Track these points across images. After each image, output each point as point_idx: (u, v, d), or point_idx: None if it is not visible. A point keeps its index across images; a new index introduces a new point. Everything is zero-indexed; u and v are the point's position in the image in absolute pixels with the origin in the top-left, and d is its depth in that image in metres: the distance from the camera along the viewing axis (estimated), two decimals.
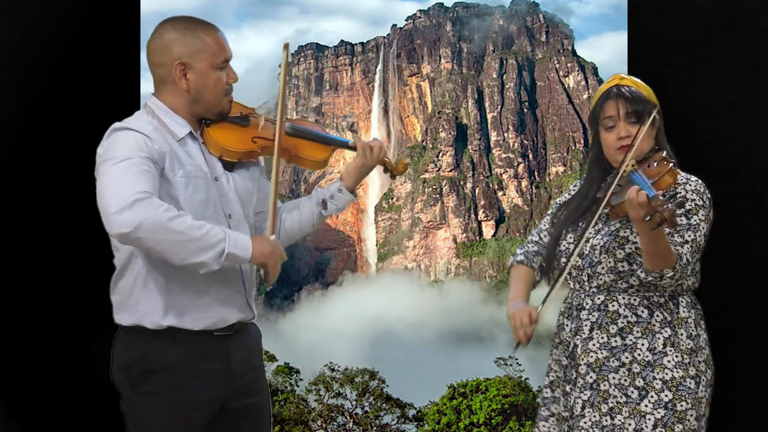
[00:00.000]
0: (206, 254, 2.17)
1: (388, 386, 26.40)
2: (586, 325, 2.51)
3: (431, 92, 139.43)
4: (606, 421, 2.43)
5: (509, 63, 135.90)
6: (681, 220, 2.40)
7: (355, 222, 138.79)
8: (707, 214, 2.44)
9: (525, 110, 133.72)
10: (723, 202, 2.59)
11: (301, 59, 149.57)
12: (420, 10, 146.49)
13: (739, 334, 3.19)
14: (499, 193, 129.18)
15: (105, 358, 2.39)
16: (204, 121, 2.43)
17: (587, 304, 2.53)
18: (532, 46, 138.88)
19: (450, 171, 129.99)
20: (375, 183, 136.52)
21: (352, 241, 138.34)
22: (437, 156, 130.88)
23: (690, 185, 2.47)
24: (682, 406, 2.40)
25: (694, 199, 2.43)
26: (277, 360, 28.82)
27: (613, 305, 2.49)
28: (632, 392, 2.42)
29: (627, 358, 2.45)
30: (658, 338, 2.44)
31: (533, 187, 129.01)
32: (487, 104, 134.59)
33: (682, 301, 2.49)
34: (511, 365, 30.07)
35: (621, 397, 2.43)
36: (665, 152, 2.47)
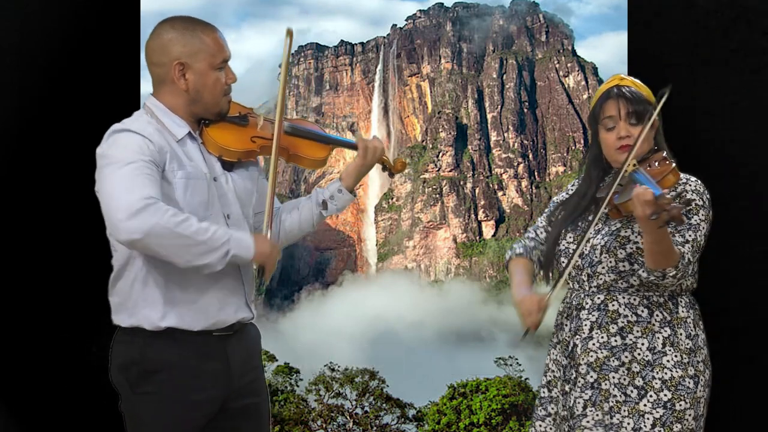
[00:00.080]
0: (211, 257, 2.19)
1: (388, 386, 26.40)
2: (585, 325, 2.51)
3: (431, 92, 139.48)
4: (608, 419, 2.44)
5: (509, 63, 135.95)
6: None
7: (355, 222, 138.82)
8: (707, 214, 2.45)
9: (525, 110, 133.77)
10: (723, 202, 2.59)
11: (301, 59, 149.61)
12: (420, 10, 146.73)
13: (739, 334, 3.19)
14: (499, 193, 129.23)
15: (104, 359, 2.39)
16: (203, 121, 2.43)
17: (587, 303, 2.53)
18: (532, 46, 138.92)
19: (450, 171, 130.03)
20: (375, 183, 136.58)
21: (352, 241, 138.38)
22: (437, 156, 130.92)
23: (690, 185, 2.48)
24: (680, 405, 2.41)
25: (693, 199, 2.44)
26: (277, 360, 28.82)
27: (613, 305, 2.49)
28: (631, 391, 2.43)
29: (627, 357, 2.45)
30: (658, 338, 2.45)
31: (533, 187, 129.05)
32: (487, 104, 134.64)
33: (681, 301, 2.50)
34: (511, 365, 30.07)
35: (620, 396, 2.43)
36: (665, 152, 2.48)
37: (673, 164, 2.38)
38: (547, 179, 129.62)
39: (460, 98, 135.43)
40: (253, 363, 2.48)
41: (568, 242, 2.59)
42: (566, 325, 2.57)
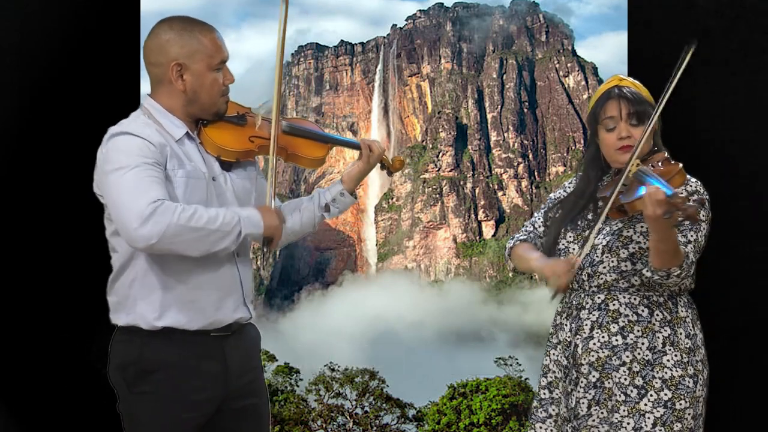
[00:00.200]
0: (225, 241, 2.24)
1: (388, 386, 26.40)
2: (586, 325, 2.51)
3: (431, 92, 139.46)
4: (611, 417, 2.44)
5: (509, 63, 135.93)
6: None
7: (355, 222, 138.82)
8: (707, 215, 2.46)
9: (525, 110, 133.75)
10: (723, 202, 2.59)
11: (301, 59, 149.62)
12: (420, 10, 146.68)
13: (739, 334, 3.19)
14: (499, 193, 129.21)
15: (104, 358, 2.39)
16: (201, 121, 2.43)
17: (587, 303, 2.53)
18: (532, 46, 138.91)
19: (450, 171, 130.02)
20: (375, 183, 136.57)
21: (352, 241, 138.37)
22: (437, 156, 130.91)
23: (690, 186, 2.49)
24: (680, 405, 2.41)
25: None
26: (277, 360, 28.82)
27: (613, 304, 2.49)
28: (631, 391, 2.43)
29: (628, 357, 2.45)
30: (658, 337, 2.46)
31: (533, 187, 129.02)
32: (487, 104, 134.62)
33: (680, 301, 2.51)
34: (511, 365, 30.08)
35: (620, 395, 2.44)
36: (666, 153, 2.49)
37: (680, 165, 2.39)
38: (547, 179, 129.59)
39: (460, 98, 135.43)
40: (252, 363, 2.48)
41: (568, 241, 2.59)
42: (566, 325, 2.57)
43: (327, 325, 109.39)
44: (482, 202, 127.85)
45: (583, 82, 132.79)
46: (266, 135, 2.46)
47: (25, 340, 3.44)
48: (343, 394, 25.95)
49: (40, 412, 3.47)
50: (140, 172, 2.20)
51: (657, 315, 2.47)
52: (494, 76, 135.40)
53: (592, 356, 2.49)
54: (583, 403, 2.49)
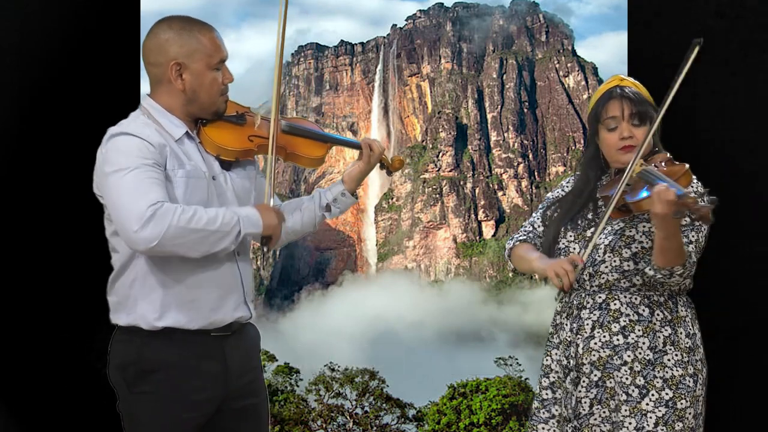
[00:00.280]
0: (225, 242, 2.25)
1: (388, 386, 26.41)
2: (587, 324, 2.51)
3: (431, 92, 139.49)
4: (614, 417, 2.44)
5: (509, 63, 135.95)
6: (686, 221, 2.42)
7: (355, 222, 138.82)
8: None
9: (525, 110, 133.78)
10: (723, 202, 2.58)
11: (301, 59, 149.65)
12: (420, 10, 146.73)
13: (739, 334, 3.19)
14: (499, 193, 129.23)
15: (104, 358, 2.39)
16: (200, 120, 2.43)
17: (588, 302, 2.53)
18: (532, 46, 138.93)
19: (450, 171, 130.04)
20: (375, 183, 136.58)
21: (352, 241, 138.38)
22: (437, 156, 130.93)
23: (693, 186, 2.49)
24: (681, 404, 2.42)
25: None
26: (277, 360, 28.83)
27: (614, 304, 2.50)
28: (633, 390, 2.43)
29: (629, 356, 2.45)
30: (659, 337, 2.46)
31: (533, 187, 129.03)
32: (487, 104, 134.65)
33: (680, 300, 2.52)
34: (511, 365, 30.09)
35: (622, 395, 2.44)
36: (668, 154, 2.49)
37: (686, 166, 2.39)
38: (547, 179, 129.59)
39: (460, 98, 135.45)
40: (252, 363, 2.48)
41: (568, 240, 2.59)
42: (566, 324, 2.57)
43: (327, 325, 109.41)
44: (482, 202, 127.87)
45: (583, 82, 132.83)
46: (265, 134, 2.46)
47: (26, 340, 3.44)
48: (343, 394, 25.96)
49: (40, 412, 3.47)
50: (140, 174, 2.20)
51: (658, 314, 2.48)
52: (494, 76, 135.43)
53: (594, 356, 2.49)
54: (585, 402, 2.49)
